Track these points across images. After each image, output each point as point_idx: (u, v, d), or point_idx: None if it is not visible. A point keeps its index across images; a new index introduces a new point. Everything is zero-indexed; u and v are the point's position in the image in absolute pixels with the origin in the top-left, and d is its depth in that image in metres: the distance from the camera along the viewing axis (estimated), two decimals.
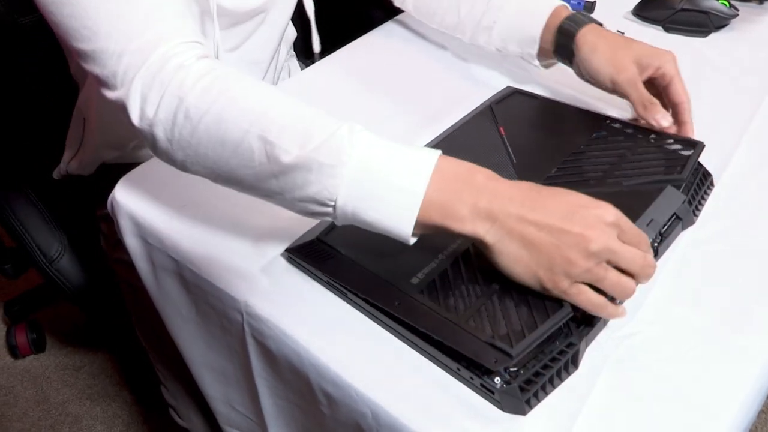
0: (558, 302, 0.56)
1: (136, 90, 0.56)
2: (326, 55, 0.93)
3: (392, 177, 0.52)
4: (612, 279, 0.53)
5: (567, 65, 0.79)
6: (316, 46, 0.93)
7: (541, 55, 0.80)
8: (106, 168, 0.92)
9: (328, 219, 0.56)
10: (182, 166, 0.59)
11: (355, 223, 0.55)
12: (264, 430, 0.70)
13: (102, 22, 0.56)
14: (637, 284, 0.54)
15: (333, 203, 0.53)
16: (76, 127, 0.91)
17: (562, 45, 0.77)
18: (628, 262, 0.53)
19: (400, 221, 0.52)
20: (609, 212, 0.53)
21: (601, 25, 0.77)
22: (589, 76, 0.76)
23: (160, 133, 0.57)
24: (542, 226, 0.51)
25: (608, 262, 0.53)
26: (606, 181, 0.66)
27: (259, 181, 0.55)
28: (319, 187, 0.53)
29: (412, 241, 0.54)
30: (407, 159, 0.52)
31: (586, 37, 0.75)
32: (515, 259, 0.53)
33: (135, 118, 0.57)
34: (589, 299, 0.53)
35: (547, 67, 0.83)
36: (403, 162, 0.52)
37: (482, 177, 0.53)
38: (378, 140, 0.53)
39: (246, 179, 0.56)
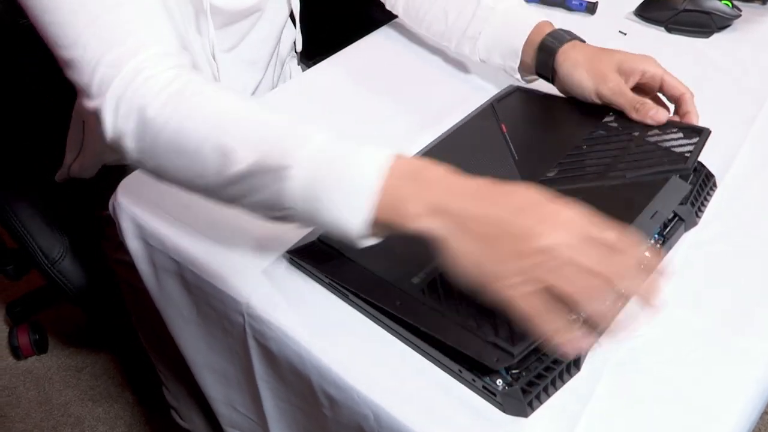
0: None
1: (110, 101, 0.56)
2: (327, 57, 0.93)
3: (343, 179, 0.51)
4: (567, 275, 0.46)
5: (549, 83, 0.78)
6: (299, 45, 0.94)
7: (523, 68, 0.80)
8: (108, 170, 0.92)
9: (294, 223, 0.56)
10: (156, 176, 0.60)
11: (315, 225, 0.54)
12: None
13: (80, 31, 0.57)
14: (616, 290, 0.47)
15: (289, 207, 0.53)
16: (75, 130, 0.91)
17: (543, 62, 0.77)
18: (593, 262, 0.46)
19: (352, 222, 0.51)
20: (571, 210, 0.48)
21: (583, 41, 0.77)
22: (573, 92, 0.75)
23: (131, 144, 0.57)
24: (492, 220, 0.48)
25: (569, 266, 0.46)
26: (608, 174, 0.65)
27: (219, 188, 0.56)
28: (273, 191, 0.53)
29: (368, 242, 0.53)
30: (359, 160, 0.51)
31: (567, 54, 0.75)
32: (463, 254, 0.49)
33: (108, 129, 0.57)
34: (531, 303, 0.47)
35: (529, 81, 0.82)
36: (355, 163, 0.51)
37: (435, 173, 0.51)
38: (331, 142, 0.53)
39: (208, 187, 0.57)
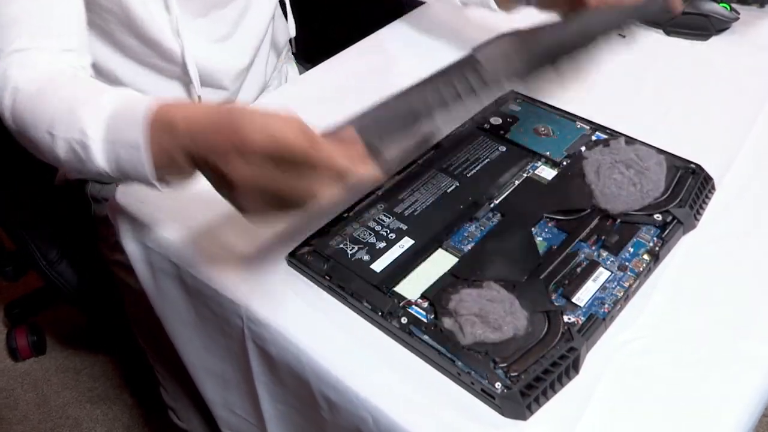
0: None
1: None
2: (325, 57, 0.93)
3: (124, 135, 0.55)
4: (272, 205, 0.50)
5: (526, 4, 0.81)
6: (292, 31, 0.97)
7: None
8: None
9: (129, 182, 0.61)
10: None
11: (138, 183, 0.58)
12: None
13: None
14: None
15: (105, 171, 0.58)
16: None
17: None
18: (281, 186, 0.49)
19: (144, 173, 0.55)
20: (248, 134, 0.49)
21: None
22: (550, 2, 0.76)
23: (9, 123, 0.63)
24: (200, 159, 0.52)
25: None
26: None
27: (63, 166, 0.63)
28: (88, 160, 0.58)
29: (179, 186, 0.57)
30: (131, 116, 0.55)
31: None
32: (216, 188, 0.53)
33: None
34: (264, 214, 0.52)
35: (508, 11, 0.86)
36: (128, 120, 0.55)
37: (182, 119, 0.53)
38: (113, 106, 0.57)
39: (59, 165, 0.63)
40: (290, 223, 0.67)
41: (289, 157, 0.48)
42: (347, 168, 0.49)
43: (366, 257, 0.63)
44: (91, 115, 0.57)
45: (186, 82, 0.85)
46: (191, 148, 0.52)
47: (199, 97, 0.86)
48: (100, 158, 0.57)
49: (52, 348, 1.47)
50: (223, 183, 0.51)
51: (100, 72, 0.81)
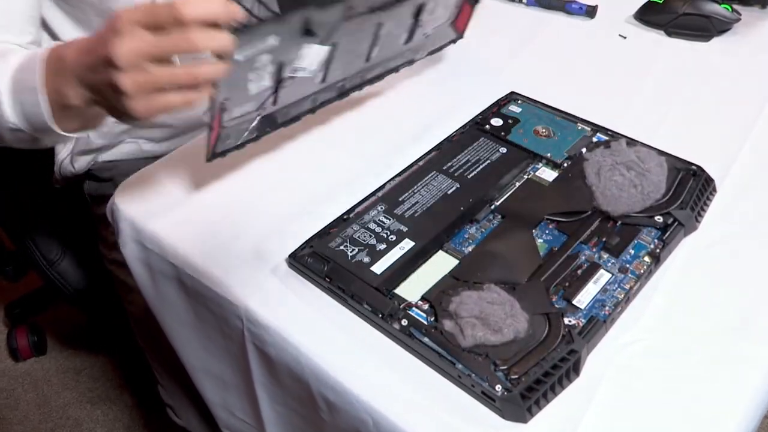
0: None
1: None
2: None
3: (26, 82, 0.59)
4: (159, 75, 0.51)
5: None
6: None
7: None
8: (99, 166, 0.92)
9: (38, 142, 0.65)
10: None
11: (45, 135, 0.62)
12: None
13: None
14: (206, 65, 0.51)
15: (15, 124, 0.61)
16: None
17: None
18: (164, 52, 0.50)
19: (44, 116, 0.59)
20: (117, 19, 0.50)
21: None
22: None
23: None
24: (87, 66, 0.54)
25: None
26: None
27: None
28: (1, 116, 0.61)
29: (74, 133, 0.62)
30: (31, 64, 0.59)
31: None
32: (107, 107, 0.55)
33: None
34: (167, 102, 0.52)
35: None
36: (29, 68, 0.59)
37: (69, 54, 0.56)
38: (23, 57, 0.61)
39: None
40: (290, 224, 0.67)
41: (159, 13, 0.49)
42: (218, 11, 0.50)
43: (366, 259, 0.63)
44: (2, 71, 0.61)
45: None
46: (77, 69, 0.55)
47: None
48: (8, 110, 0.61)
49: (52, 348, 1.47)
50: (108, 79, 0.51)
51: None
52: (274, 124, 0.68)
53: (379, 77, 0.77)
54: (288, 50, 0.59)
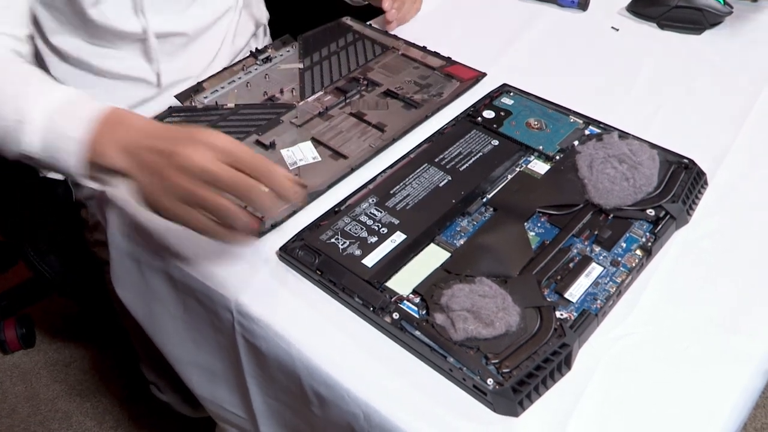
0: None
1: None
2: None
3: (61, 127, 0.58)
4: (211, 201, 0.53)
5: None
6: (263, 17, 1.00)
7: None
8: None
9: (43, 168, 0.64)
10: None
11: (61, 173, 0.61)
12: (255, 429, 0.69)
13: None
14: (262, 209, 0.54)
15: (37, 157, 0.59)
16: None
17: None
18: (228, 185, 0.53)
19: (73, 165, 0.58)
20: (211, 135, 0.53)
21: None
22: None
23: None
24: (154, 150, 0.54)
25: (214, 186, 0.53)
26: None
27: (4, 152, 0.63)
28: (22, 143, 0.59)
29: (91, 183, 0.60)
30: (71, 111, 0.58)
31: None
32: (142, 187, 0.55)
33: None
34: (197, 220, 0.54)
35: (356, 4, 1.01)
36: (67, 114, 0.58)
37: (133, 119, 0.58)
38: (55, 98, 0.59)
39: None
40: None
41: (243, 153, 0.52)
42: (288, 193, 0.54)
43: (357, 252, 0.62)
44: (36, 99, 0.59)
45: (144, 49, 0.85)
46: (136, 143, 0.55)
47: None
48: (33, 143, 0.59)
49: (41, 341, 1.46)
50: (163, 170, 0.53)
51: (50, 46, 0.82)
52: None
53: None
54: None
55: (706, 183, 0.71)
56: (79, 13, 0.78)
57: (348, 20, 0.96)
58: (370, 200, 0.67)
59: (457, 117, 0.78)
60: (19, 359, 1.43)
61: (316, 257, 0.62)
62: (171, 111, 0.79)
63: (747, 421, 1.29)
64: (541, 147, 0.73)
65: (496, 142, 0.74)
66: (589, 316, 0.57)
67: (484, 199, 0.68)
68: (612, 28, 0.97)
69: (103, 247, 0.82)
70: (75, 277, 1.05)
